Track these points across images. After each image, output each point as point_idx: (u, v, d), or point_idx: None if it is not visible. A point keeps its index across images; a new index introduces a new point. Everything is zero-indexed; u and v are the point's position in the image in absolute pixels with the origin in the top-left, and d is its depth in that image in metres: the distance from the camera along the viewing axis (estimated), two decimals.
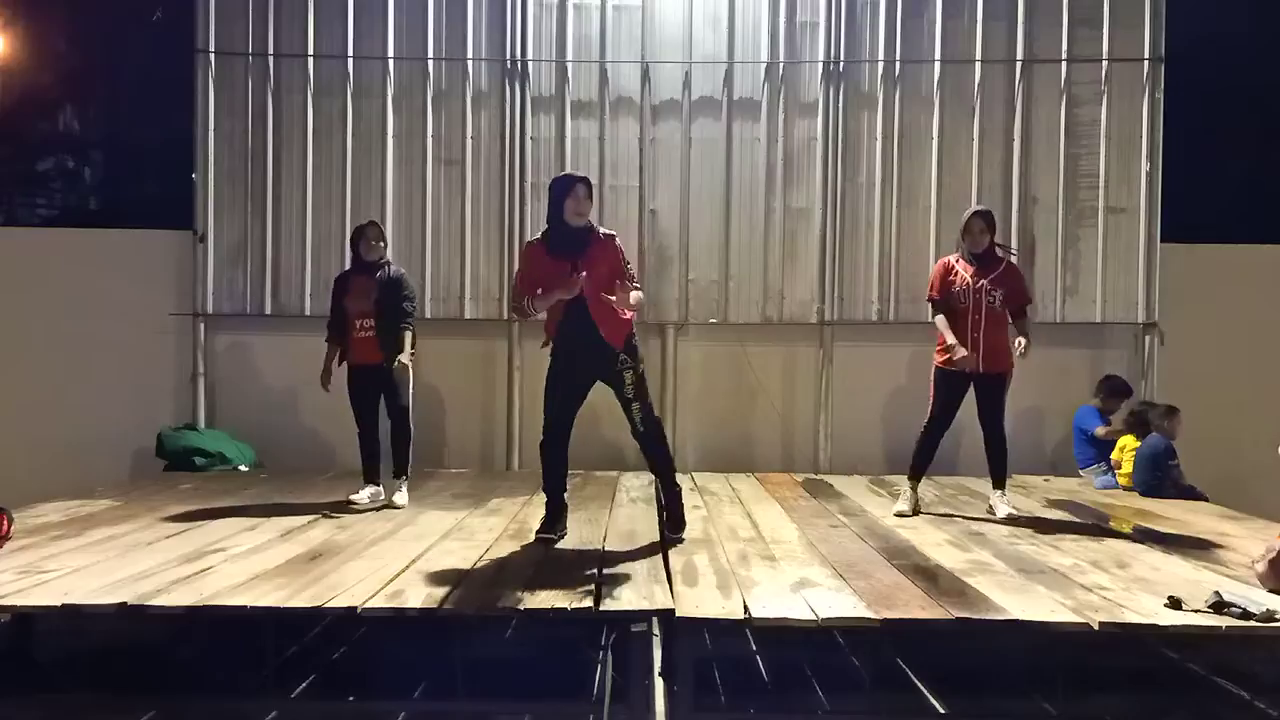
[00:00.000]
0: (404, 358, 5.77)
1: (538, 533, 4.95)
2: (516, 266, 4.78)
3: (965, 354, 5.58)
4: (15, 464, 7.22)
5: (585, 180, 4.85)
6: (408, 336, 5.84)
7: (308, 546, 4.79)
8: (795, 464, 7.89)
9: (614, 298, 4.60)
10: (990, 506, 5.84)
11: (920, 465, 5.87)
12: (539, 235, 4.94)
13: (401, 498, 5.97)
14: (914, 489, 5.89)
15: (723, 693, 4.30)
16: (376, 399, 5.98)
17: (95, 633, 4.59)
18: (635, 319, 4.91)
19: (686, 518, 5.14)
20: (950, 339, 5.65)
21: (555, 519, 4.98)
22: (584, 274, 4.62)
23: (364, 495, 5.92)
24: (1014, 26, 7.91)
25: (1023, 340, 5.63)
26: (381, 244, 5.98)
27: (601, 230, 4.91)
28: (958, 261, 5.80)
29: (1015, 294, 5.74)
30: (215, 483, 6.81)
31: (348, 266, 6.25)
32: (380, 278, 5.86)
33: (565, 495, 5.08)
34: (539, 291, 4.75)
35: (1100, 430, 7.27)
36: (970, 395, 5.74)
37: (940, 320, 5.75)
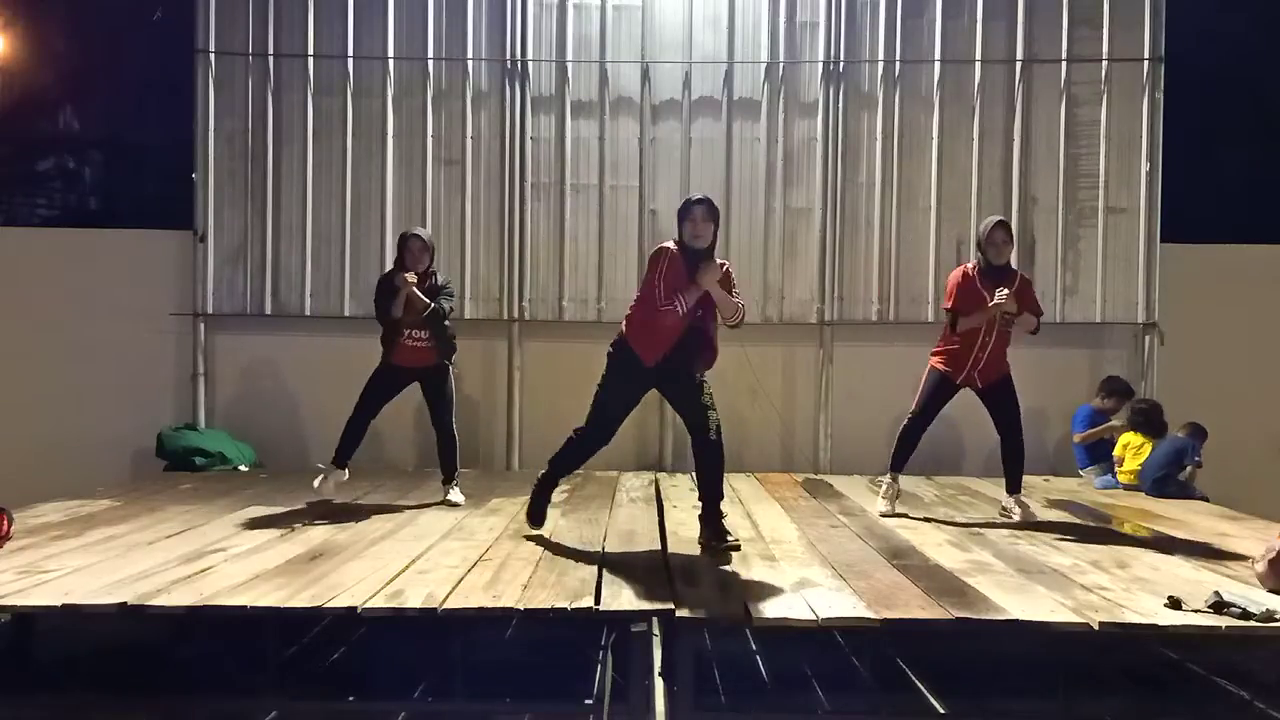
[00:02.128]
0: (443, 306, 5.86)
1: (531, 524, 5.03)
2: (660, 264, 4.69)
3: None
4: (15, 464, 7.21)
5: (701, 201, 4.77)
6: (445, 305, 5.91)
7: (308, 546, 4.79)
8: (795, 464, 7.89)
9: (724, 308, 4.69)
10: (1004, 509, 5.82)
11: (902, 458, 5.84)
12: (673, 244, 4.81)
13: (457, 495, 6.03)
14: (894, 480, 5.86)
15: (723, 693, 4.30)
16: (391, 398, 6.03)
17: (95, 633, 4.58)
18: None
19: (689, 517, 5.12)
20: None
21: (543, 509, 5.05)
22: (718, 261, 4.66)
23: (329, 484, 5.94)
24: (1014, 26, 7.92)
25: (1006, 290, 5.46)
26: (427, 255, 5.96)
27: (720, 261, 4.79)
28: (975, 273, 5.67)
29: (1030, 309, 5.65)
30: (215, 483, 6.81)
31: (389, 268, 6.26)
32: (429, 287, 5.90)
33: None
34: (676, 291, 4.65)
35: (1077, 436, 7.28)
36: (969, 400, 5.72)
37: (965, 322, 5.58)
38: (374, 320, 5.99)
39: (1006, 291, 5.46)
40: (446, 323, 5.97)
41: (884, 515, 5.74)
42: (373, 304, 5.99)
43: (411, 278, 5.80)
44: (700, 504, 4.92)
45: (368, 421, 6.04)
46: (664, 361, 4.72)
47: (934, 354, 5.79)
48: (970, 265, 5.76)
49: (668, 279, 4.64)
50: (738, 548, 4.77)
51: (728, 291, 4.76)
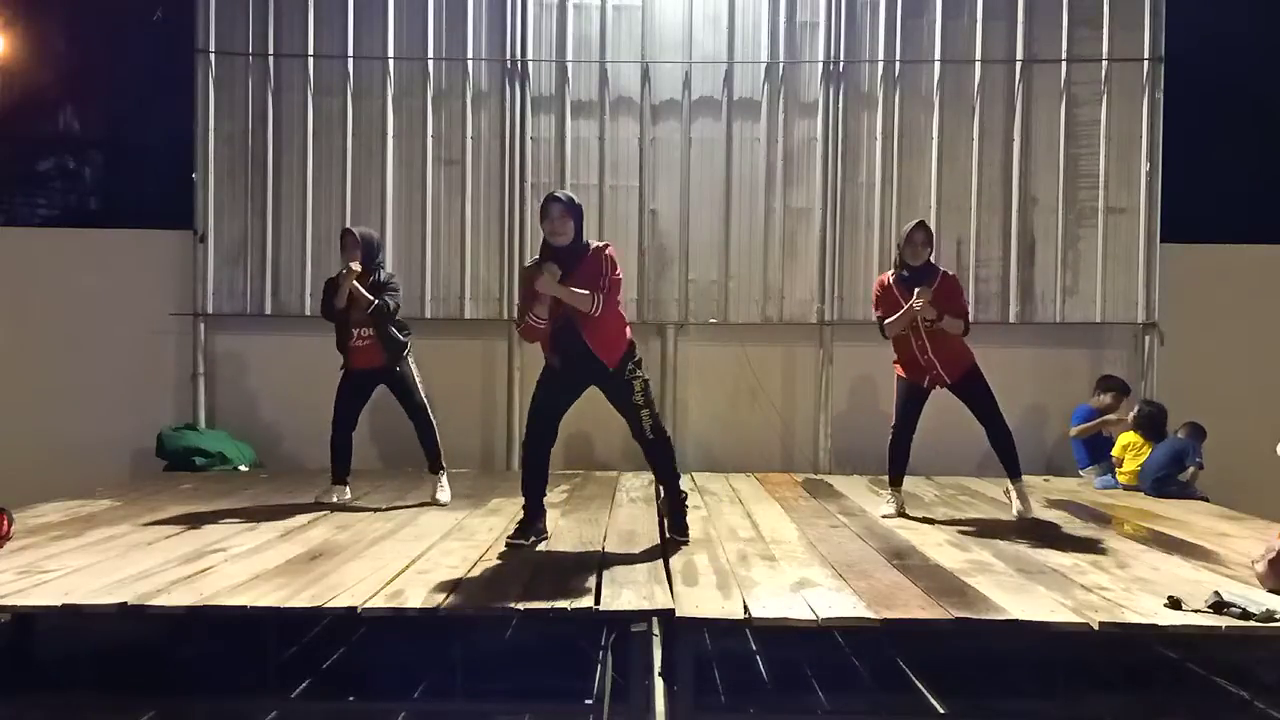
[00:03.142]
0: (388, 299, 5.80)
1: (509, 538, 4.83)
2: (517, 275, 4.77)
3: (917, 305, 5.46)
4: (15, 464, 7.21)
5: (558, 199, 4.72)
6: (389, 303, 5.84)
7: (308, 546, 4.79)
8: (795, 464, 7.89)
9: (547, 289, 4.60)
10: (1006, 490, 5.81)
11: (898, 471, 5.85)
12: (535, 258, 4.83)
13: (444, 494, 6.01)
14: (897, 493, 5.86)
15: (723, 693, 4.30)
16: (364, 403, 6.02)
17: (95, 633, 4.58)
18: (630, 333, 4.87)
19: (689, 517, 5.12)
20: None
21: (530, 523, 4.90)
22: (553, 265, 4.63)
23: (332, 500, 5.92)
24: (1014, 26, 7.92)
25: (921, 291, 5.43)
26: (359, 251, 5.88)
27: (592, 243, 4.80)
28: (892, 279, 5.65)
29: (953, 311, 5.55)
30: (215, 483, 6.81)
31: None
32: (371, 283, 5.86)
33: (544, 500, 4.99)
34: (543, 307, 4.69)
35: (1073, 430, 7.29)
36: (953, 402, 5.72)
37: (889, 326, 5.57)
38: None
39: (919, 294, 5.43)
40: (394, 321, 5.88)
41: (885, 517, 5.74)
42: (321, 303, 5.95)
43: (356, 267, 5.77)
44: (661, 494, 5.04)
45: (348, 433, 6.01)
46: (563, 362, 4.75)
47: (894, 363, 5.80)
48: (889, 274, 5.73)
49: (524, 296, 4.76)
50: (685, 542, 4.88)
51: (599, 272, 4.68)
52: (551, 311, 4.69)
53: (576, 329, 4.70)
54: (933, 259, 5.72)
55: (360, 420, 6.13)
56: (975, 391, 5.65)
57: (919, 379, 5.66)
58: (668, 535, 4.97)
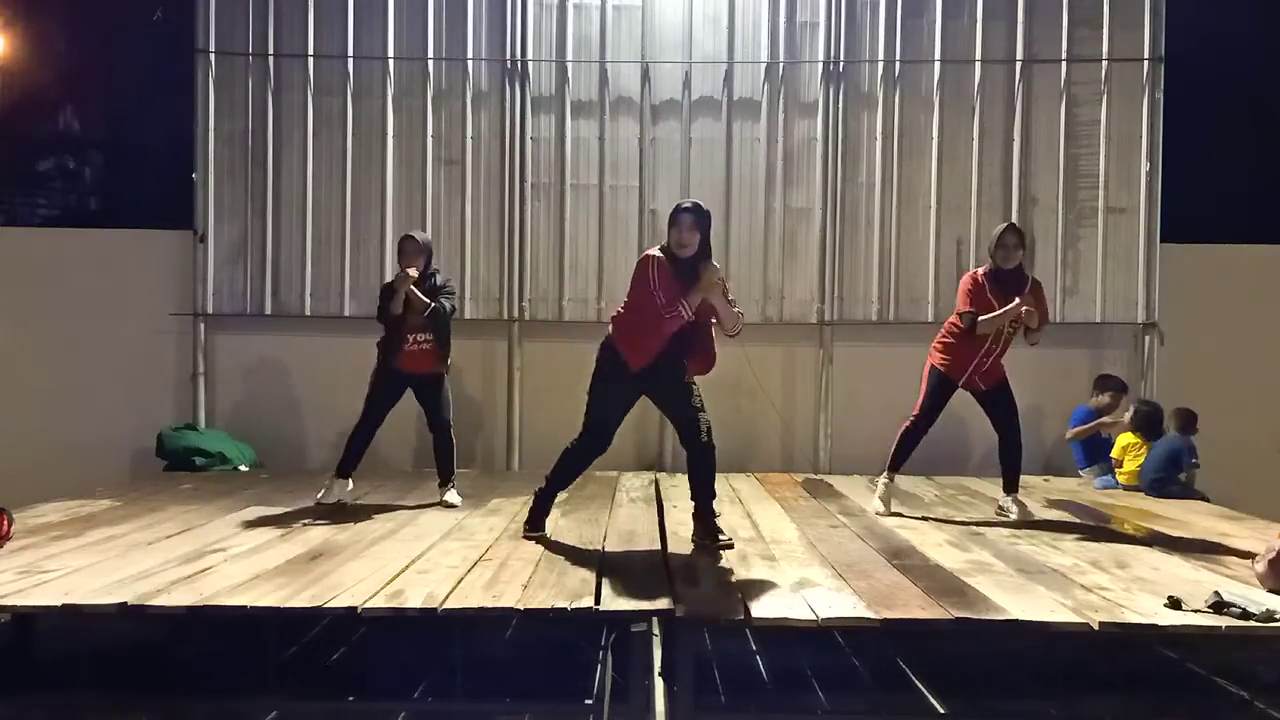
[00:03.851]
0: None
1: (527, 531, 4.98)
2: (649, 273, 4.65)
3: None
4: (15, 464, 7.21)
5: (688, 210, 4.68)
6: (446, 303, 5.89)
7: (308, 546, 4.79)
8: (795, 464, 7.89)
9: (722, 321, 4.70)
10: (1000, 508, 5.83)
11: (900, 460, 5.84)
12: (660, 251, 4.73)
13: (454, 497, 6.02)
14: (891, 481, 5.86)
15: (723, 693, 4.30)
16: (393, 406, 6.00)
17: (95, 633, 4.59)
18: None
19: (689, 518, 5.11)
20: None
21: (542, 516, 5.02)
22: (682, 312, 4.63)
23: (333, 493, 5.92)
24: (1014, 26, 7.92)
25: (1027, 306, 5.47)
26: (422, 257, 5.91)
27: (705, 263, 4.71)
28: (985, 278, 5.64)
29: (1043, 317, 5.64)
30: (215, 483, 6.81)
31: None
32: (428, 288, 5.88)
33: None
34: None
35: (1069, 433, 7.29)
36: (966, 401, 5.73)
37: (986, 321, 5.54)
38: (374, 320, 5.97)
39: (1027, 305, 5.46)
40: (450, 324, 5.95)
41: (879, 515, 5.74)
42: (375, 308, 5.95)
43: (413, 272, 5.78)
44: (693, 503, 4.92)
45: (373, 431, 6.00)
46: (650, 366, 4.70)
47: (935, 351, 5.78)
48: (981, 270, 5.72)
49: (665, 286, 4.60)
50: (730, 546, 4.78)
51: (725, 300, 4.75)
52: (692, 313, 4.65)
53: (686, 337, 4.70)
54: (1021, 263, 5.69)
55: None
56: (1001, 400, 5.69)
57: (957, 376, 5.65)
58: (705, 541, 4.83)
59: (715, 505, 4.93)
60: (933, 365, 5.78)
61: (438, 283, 5.96)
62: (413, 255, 5.85)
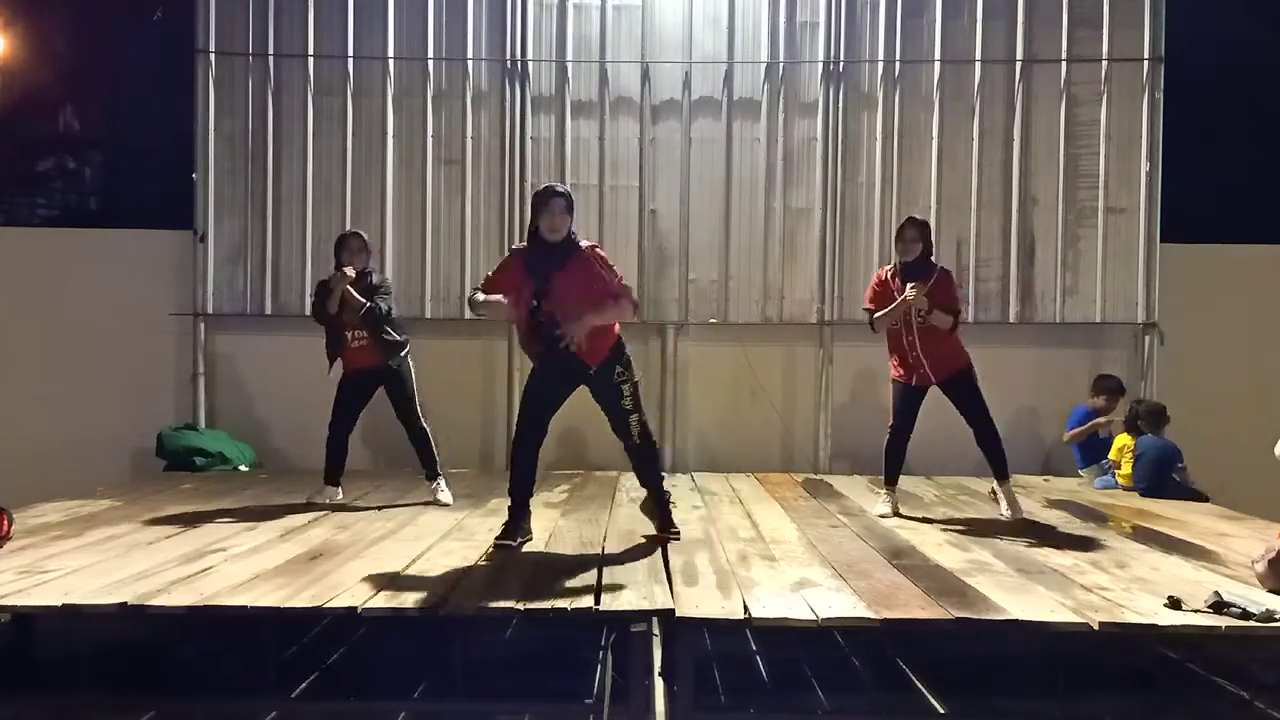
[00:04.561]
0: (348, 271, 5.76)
1: (497, 539, 4.76)
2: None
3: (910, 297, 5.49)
4: (15, 464, 7.21)
5: (559, 193, 4.66)
6: (382, 305, 5.84)
7: (308, 546, 4.79)
8: (795, 464, 7.89)
9: (579, 323, 4.49)
10: (991, 491, 5.85)
11: (893, 472, 5.87)
12: (524, 243, 4.78)
13: (445, 495, 6.01)
14: (892, 494, 5.88)
15: (723, 693, 4.30)
16: (363, 404, 6.01)
17: (95, 633, 4.58)
18: (619, 329, 4.82)
19: (689, 517, 5.12)
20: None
21: (516, 525, 4.83)
22: (524, 306, 4.56)
23: (323, 501, 5.91)
24: (1014, 26, 7.92)
25: (914, 286, 5.46)
26: (364, 255, 5.93)
27: (583, 242, 4.72)
28: (890, 274, 5.71)
29: (943, 306, 5.56)
30: (215, 483, 6.81)
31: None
32: (365, 287, 5.85)
33: (530, 501, 4.94)
34: (497, 297, 4.65)
35: (1067, 435, 7.29)
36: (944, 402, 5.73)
37: (878, 319, 5.63)
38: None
39: (914, 287, 5.48)
40: (389, 324, 5.89)
41: (882, 516, 5.74)
42: (311, 307, 5.94)
43: (350, 271, 5.77)
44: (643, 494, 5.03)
45: (345, 434, 6.00)
46: (552, 362, 4.66)
47: (891, 365, 5.83)
48: (888, 268, 5.80)
49: (494, 281, 4.69)
50: (677, 537, 4.92)
51: (592, 274, 4.58)
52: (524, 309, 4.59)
53: (555, 327, 4.55)
54: (933, 258, 5.75)
55: (360, 420, 6.14)
56: (962, 392, 5.65)
57: (908, 378, 5.69)
58: (658, 535, 4.96)
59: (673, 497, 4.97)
60: (892, 377, 5.82)
61: (374, 282, 5.94)
62: (356, 253, 5.86)
